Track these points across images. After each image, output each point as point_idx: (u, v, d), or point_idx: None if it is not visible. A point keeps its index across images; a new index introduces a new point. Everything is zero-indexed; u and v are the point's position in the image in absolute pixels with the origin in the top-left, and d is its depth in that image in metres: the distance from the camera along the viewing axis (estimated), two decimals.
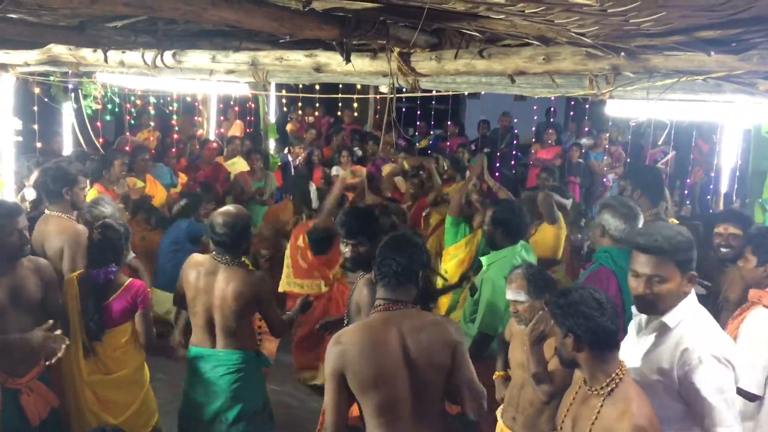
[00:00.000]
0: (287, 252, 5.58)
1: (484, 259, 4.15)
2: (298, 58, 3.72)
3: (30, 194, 5.47)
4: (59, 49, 4.41)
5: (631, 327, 2.79)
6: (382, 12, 2.91)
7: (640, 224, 3.58)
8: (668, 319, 2.52)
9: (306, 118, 10.85)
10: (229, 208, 3.77)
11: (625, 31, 2.24)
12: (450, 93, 4.56)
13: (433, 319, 2.80)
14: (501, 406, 3.41)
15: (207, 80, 4.88)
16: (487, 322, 3.86)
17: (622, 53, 2.54)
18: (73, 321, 3.67)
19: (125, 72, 4.73)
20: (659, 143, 9.19)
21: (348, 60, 3.23)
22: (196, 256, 3.83)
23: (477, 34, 2.98)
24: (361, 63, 3.55)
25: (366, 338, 2.63)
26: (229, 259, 3.64)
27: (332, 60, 3.60)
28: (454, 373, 2.68)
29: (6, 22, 3.74)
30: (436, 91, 4.41)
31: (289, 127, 10.68)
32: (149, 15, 3.34)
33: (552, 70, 2.96)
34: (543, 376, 3.04)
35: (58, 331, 3.34)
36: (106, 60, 4.22)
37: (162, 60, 4.15)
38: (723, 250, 3.97)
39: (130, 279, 3.80)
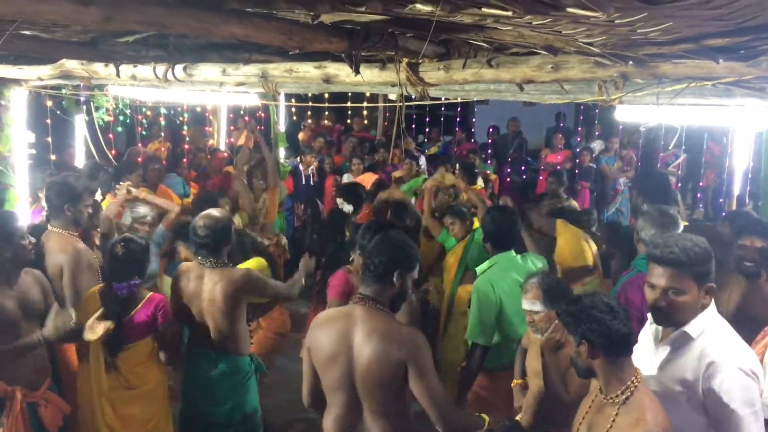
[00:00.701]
0: None
1: (477, 269, 4.12)
2: (307, 69, 3.75)
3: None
4: (72, 64, 4.46)
5: (647, 335, 2.74)
6: (390, 24, 2.92)
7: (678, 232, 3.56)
8: (690, 329, 2.48)
9: (320, 125, 10.90)
10: (210, 211, 3.84)
11: (632, 40, 2.25)
12: (459, 100, 4.58)
13: (389, 330, 2.78)
14: (518, 415, 3.41)
15: (218, 91, 4.93)
16: (474, 331, 3.84)
17: (630, 62, 2.55)
18: None
19: (137, 85, 4.79)
20: (671, 147, 9.14)
21: (357, 71, 3.25)
22: (184, 265, 3.93)
23: (485, 45, 2.99)
24: (370, 74, 3.57)
25: (326, 324, 2.90)
26: (213, 262, 3.73)
27: (341, 71, 3.63)
28: (409, 386, 2.75)
29: (20, 39, 3.79)
30: (445, 99, 4.42)
31: (301, 135, 10.73)
32: (161, 32, 3.38)
33: (561, 78, 2.97)
34: (558, 385, 3.04)
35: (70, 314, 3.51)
36: (118, 74, 4.27)
37: (173, 73, 4.19)
38: (746, 264, 3.69)
39: (151, 293, 3.81)
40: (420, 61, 3.38)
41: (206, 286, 3.71)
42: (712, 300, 2.52)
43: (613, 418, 2.33)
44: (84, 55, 4.23)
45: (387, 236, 2.97)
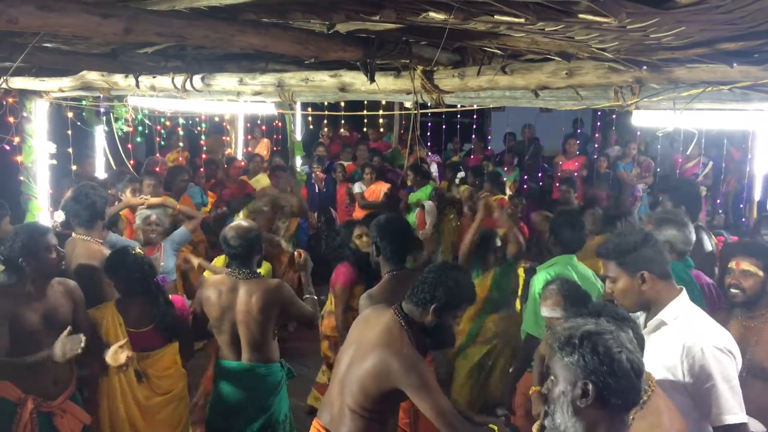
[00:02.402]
0: None
1: (538, 267, 4.31)
2: (323, 78, 3.79)
3: (59, 216, 5.60)
4: (92, 76, 4.55)
5: None
6: (405, 32, 2.96)
7: (688, 231, 3.64)
8: (664, 315, 2.65)
9: (337, 134, 10.93)
10: (239, 221, 3.93)
11: (646, 45, 2.26)
12: (474, 107, 4.59)
13: (393, 347, 2.86)
14: (537, 422, 3.41)
15: (235, 101, 5.00)
16: (529, 323, 4.02)
17: (645, 66, 2.55)
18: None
19: (156, 95, 4.86)
20: (688, 152, 9.07)
21: (372, 80, 3.28)
22: (213, 277, 3.94)
23: (499, 51, 3.01)
24: (385, 82, 3.60)
25: (368, 316, 3.12)
26: (246, 273, 3.76)
27: (357, 79, 3.66)
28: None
29: (42, 51, 3.87)
30: (460, 106, 4.44)
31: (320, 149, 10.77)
32: (180, 43, 3.43)
33: (575, 84, 2.97)
34: None
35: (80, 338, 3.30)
36: (137, 85, 4.34)
37: (191, 84, 4.25)
38: (732, 291, 3.24)
39: (171, 296, 3.91)
40: (434, 68, 3.41)
41: (241, 297, 3.71)
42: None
43: (629, 423, 2.33)
44: (104, 67, 4.31)
45: (448, 269, 2.96)
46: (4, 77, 4.36)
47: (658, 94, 3.15)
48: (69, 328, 3.35)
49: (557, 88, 3.12)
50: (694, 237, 3.85)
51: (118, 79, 4.50)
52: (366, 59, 3.19)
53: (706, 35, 2.15)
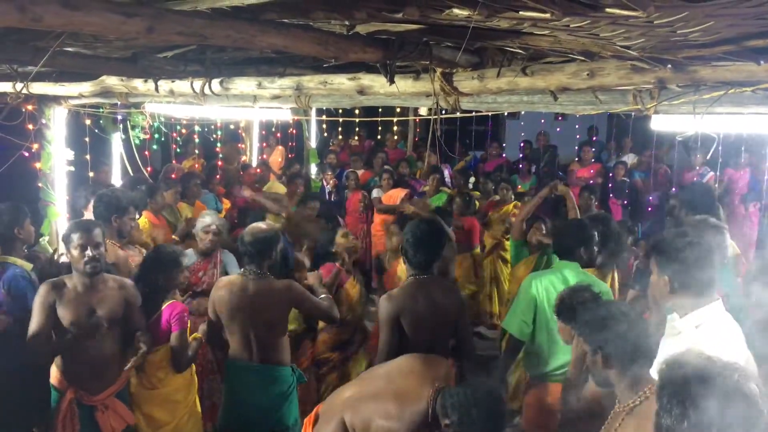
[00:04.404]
0: None
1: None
2: (341, 81, 3.79)
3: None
4: (112, 80, 4.58)
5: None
6: (425, 33, 2.95)
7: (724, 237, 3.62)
8: (684, 323, 2.60)
9: (350, 142, 10.93)
10: (258, 224, 4.04)
11: (672, 43, 2.24)
12: (490, 114, 4.55)
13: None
14: None
15: (251, 107, 5.00)
16: (506, 319, 4.00)
17: (669, 65, 2.52)
18: None
19: (174, 101, 4.88)
20: (708, 157, 8.98)
21: (392, 81, 3.27)
22: (223, 279, 4.00)
23: (520, 52, 2.99)
24: (404, 84, 3.59)
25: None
26: (258, 273, 3.79)
27: (375, 82, 3.65)
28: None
29: (63, 56, 3.91)
30: (476, 112, 4.42)
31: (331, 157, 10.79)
32: (201, 44, 3.45)
33: (596, 85, 2.94)
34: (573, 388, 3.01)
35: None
36: (156, 89, 4.36)
37: (210, 88, 4.26)
38: None
39: (172, 301, 3.91)
40: (454, 70, 3.40)
41: (251, 298, 3.75)
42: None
43: (619, 423, 2.32)
44: (124, 71, 4.34)
45: (476, 392, 2.80)
46: (25, 82, 4.39)
47: (679, 96, 3.12)
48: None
49: (578, 90, 3.10)
50: (728, 244, 3.82)
51: (138, 83, 4.53)
52: (386, 60, 3.18)
53: (734, 31, 2.12)
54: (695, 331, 2.57)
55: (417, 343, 3.50)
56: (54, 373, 3.64)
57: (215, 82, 4.27)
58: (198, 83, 4.31)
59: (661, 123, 4.49)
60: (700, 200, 4.37)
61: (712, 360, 1.79)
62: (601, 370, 2.39)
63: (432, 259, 3.70)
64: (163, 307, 3.87)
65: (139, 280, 3.96)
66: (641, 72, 2.77)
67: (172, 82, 4.42)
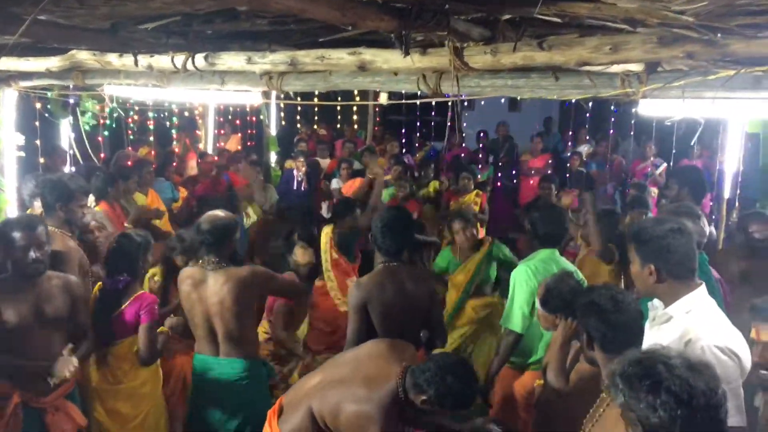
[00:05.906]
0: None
1: (521, 261, 4.13)
2: (340, 56, 3.59)
3: (39, 207, 5.29)
4: (83, 55, 4.24)
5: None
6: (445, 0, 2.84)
7: (702, 222, 3.61)
8: (673, 309, 2.55)
9: (315, 132, 10.73)
10: (216, 212, 3.82)
11: (729, 8, 2.17)
12: (450, 101, 4.37)
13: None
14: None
15: (219, 90, 4.72)
16: (507, 317, 3.89)
17: (719, 33, 2.43)
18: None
19: (148, 81, 4.51)
20: (693, 142, 9.20)
21: (407, 53, 3.13)
22: (186, 270, 3.83)
23: (544, 19, 2.87)
24: (409, 59, 3.44)
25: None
26: (215, 263, 3.64)
27: (378, 57, 3.48)
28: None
29: (37, 25, 3.57)
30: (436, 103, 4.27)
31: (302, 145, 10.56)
32: (217, 8, 3.20)
33: (620, 59, 2.86)
34: (558, 377, 2.99)
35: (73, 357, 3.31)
36: (136, 63, 4.05)
37: (193, 63, 3.99)
38: None
39: (142, 291, 3.79)
40: (465, 44, 3.27)
41: (211, 288, 3.59)
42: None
43: (603, 408, 2.31)
44: (102, 44, 4.04)
45: (454, 366, 2.87)
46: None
47: (679, 78, 3.04)
48: (70, 346, 3.33)
49: (599, 65, 3.02)
50: (707, 229, 3.86)
51: (112, 58, 4.19)
52: (401, 31, 3.04)
53: None
54: (687, 317, 2.53)
55: (386, 331, 3.50)
56: None
57: (199, 57, 3.98)
58: (180, 58, 4.01)
59: (648, 108, 4.52)
60: (696, 181, 4.45)
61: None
62: (586, 352, 2.48)
63: (401, 246, 3.72)
64: (132, 298, 3.71)
65: (107, 268, 3.83)
66: (669, 46, 2.70)
67: (151, 56, 4.11)
